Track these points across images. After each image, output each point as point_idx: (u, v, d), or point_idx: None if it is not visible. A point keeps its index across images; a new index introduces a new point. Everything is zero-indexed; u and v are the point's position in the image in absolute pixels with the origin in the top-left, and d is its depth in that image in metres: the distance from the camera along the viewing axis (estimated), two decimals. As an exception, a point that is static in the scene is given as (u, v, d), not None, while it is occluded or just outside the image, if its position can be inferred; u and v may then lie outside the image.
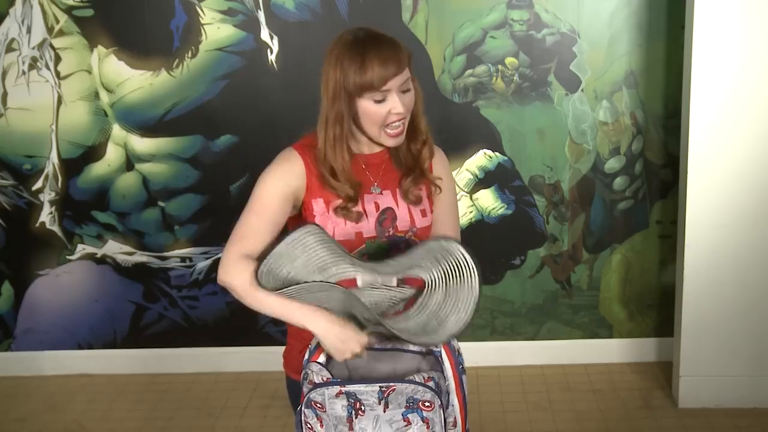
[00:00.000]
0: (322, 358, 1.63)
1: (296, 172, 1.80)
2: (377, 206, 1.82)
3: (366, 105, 1.73)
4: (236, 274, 1.71)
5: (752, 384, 3.16)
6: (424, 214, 1.87)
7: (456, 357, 1.63)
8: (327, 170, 1.78)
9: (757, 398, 3.16)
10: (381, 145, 1.81)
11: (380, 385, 1.51)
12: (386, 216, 1.83)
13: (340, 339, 1.62)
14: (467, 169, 3.42)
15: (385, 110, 1.73)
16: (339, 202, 1.78)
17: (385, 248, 1.82)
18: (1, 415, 3.39)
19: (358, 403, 1.52)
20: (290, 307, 1.67)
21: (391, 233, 1.83)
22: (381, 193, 1.83)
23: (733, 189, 3.01)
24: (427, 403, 1.51)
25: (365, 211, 1.80)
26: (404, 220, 1.84)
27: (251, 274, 1.66)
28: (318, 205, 1.80)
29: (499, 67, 3.33)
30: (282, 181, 1.79)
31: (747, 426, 3.06)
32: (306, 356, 1.68)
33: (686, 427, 3.07)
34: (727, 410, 3.14)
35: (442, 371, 1.60)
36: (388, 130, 1.75)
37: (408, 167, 1.85)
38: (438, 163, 1.91)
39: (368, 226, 1.81)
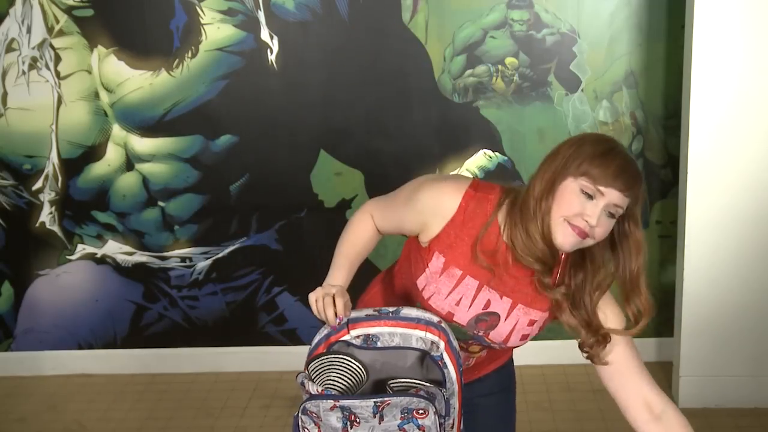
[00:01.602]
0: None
1: (437, 212, 1.69)
2: (488, 304, 1.71)
3: (571, 187, 1.58)
4: (359, 216, 1.83)
5: (752, 384, 3.16)
6: (524, 338, 1.80)
7: (458, 359, 1.62)
8: (526, 227, 1.62)
9: (758, 398, 3.16)
10: (551, 240, 1.61)
11: (375, 399, 1.50)
12: (487, 319, 1.73)
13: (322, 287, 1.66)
14: (467, 170, 3.42)
15: (581, 206, 1.58)
16: (465, 276, 1.68)
17: (464, 336, 1.74)
18: (1, 415, 3.39)
19: (352, 416, 1.51)
20: (337, 255, 1.78)
21: (479, 334, 1.74)
22: (501, 298, 1.71)
23: (733, 189, 3.01)
24: (421, 411, 1.51)
25: (473, 300, 1.70)
26: (500, 335, 1.75)
27: (365, 220, 1.82)
28: (437, 261, 1.70)
29: (499, 67, 3.33)
30: (421, 201, 1.71)
31: (748, 426, 3.06)
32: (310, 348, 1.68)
33: (686, 427, 3.07)
34: (728, 410, 3.14)
35: (444, 376, 1.59)
36: (570, 225, 1.59)
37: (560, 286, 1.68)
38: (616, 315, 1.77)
39: (464, 315, 1.72)
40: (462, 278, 1.70)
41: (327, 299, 1.63)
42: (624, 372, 1.80)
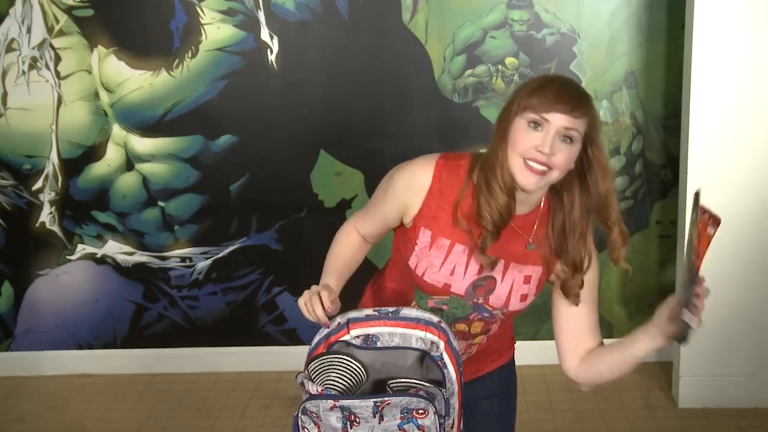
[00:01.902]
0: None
1: (414, 189, 1.72)
2: (481, 269, 1.72)
3: (520, 125, 1.62)
4: (343, 230, 1.90)
5: (752, 384, 3.16)
6: (523, 298, 1.79)
7: (457, 359, 1.62)
8: (482, 189, 1.65)
9: (758, 398, 3.16)
10: (515, 180, 1.64)
11: (374, 400, 1.50)
12: (484, 284, 1.74)
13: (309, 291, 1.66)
14: (467, 169, 3.42)
15: (532, 140, 1.60)
16: (455, 243, 1.70)
17: (466, 309, 1.76)
18: (1, 415, 3.39)
19: (352, 416, 1.51)
20: (325, 266, 1.83)
21: (479, 302, 1.76)
22: (528, 252, 1.72)
23: (734, 189, 3.01)
24: (420, 411, 1.51)
25: (466, 267, 1.72)
26: (500, 298, 1.76)
27: (348, 233, 1.88)
28: (424, 236, 1.72)
29: (499, 67, 3.33)
30: (396, 185, 1.74)
31: (747, 426, 3.06)
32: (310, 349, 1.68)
33: (686, 427, 3.07)
34: (728, 410, 3.14)
35: (444, 376, 1.59)
36: (528, 164, 1.61)
37: (558, 246, 1.73)
38: (592, 271, 1.79)
39: (460, 284, 1.73)
40: (451, 247, 1.71)
41: (314, 298, 1.64)
42: (579, 327, 1.82)
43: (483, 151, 1.74)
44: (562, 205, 1.73)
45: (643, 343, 1.72)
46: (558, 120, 1.59)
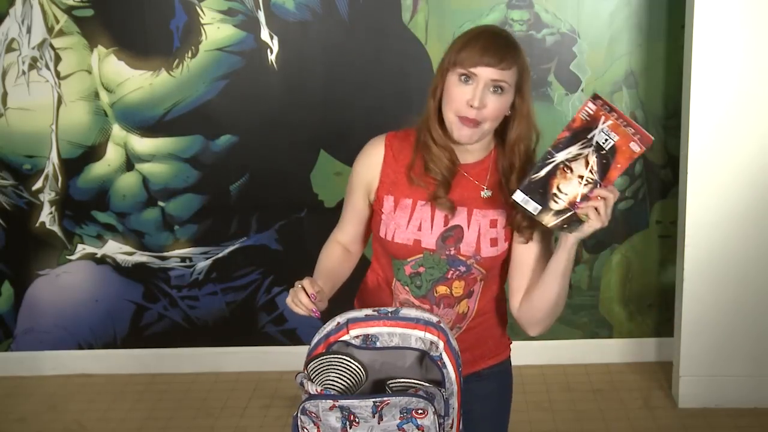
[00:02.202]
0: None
1: (371, 163, 1.84)
2: (446, 220, 1.78)
3: (452, 80, 1.71)
4: (326, 244, 1.99)
5: (752, 384, 3.16)
6: (494, 243, 1.81)
7: (457, 359, 1.62)
8: (423, 145, 1.77)
9: (757, 398, 3.16)
10: (450, 135, 1.74)
11: (374, 399, 1.50)
12: (452, 234, 1.78)
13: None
14: (467, 169, 3.42)
15: (463, 94, 1.69)
16: (417, 200, 1.78)
17: (442, 266, 1.79)
18: (1, 415, 3.39)
19: (352, 416, 1.51)
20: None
21: (452, 253, 1.79)
22: (489, 197, 1.78)
23: (733, 189, 3.01)
24: (420, 411, 1.51)
25: (432, 220, 1.78)
26: (470, 244, 1.79)
27: (329, 246, 1.97)
28: (388, 202, 1.81)
29: (499, 67, 3.32)
30: (356, 170, 1.87)
31: (747, 426, 3.06)
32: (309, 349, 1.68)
33: (686, 427, 3.07)
34: (727, 410, 3.14)
35: (443, 376, 1.59)
36: (462, 119, 1.70)
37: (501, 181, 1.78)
38: None
39: (429, 238, 1.78)
40: (414, 205, 1.79)
41: (297, 291, 1.71)
42: (527, 265, 1.84)
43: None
44: (503, 150, 1.81)
45: (557, 252, 1.74)
46: (486, 73, 1.67)
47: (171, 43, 3.35)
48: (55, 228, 3.57)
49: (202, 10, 3.32)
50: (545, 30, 3.29)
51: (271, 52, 3.35)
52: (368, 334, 1.62)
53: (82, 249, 3.59)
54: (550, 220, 1.64)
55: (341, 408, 1.51)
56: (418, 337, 1.61)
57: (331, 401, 1.51)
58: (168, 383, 3.59)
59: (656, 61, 3.31)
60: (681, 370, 3.17)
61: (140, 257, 3.59)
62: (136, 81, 3.40)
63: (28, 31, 3.37)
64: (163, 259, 3.58)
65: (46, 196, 3.53)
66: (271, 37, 3.34)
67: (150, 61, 3.38)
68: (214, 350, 3.67)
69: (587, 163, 1.61)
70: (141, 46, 3.37)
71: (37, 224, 3.57)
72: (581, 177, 1.61)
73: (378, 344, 1.62)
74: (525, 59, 1.73)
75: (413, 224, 1.79)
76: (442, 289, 1.83)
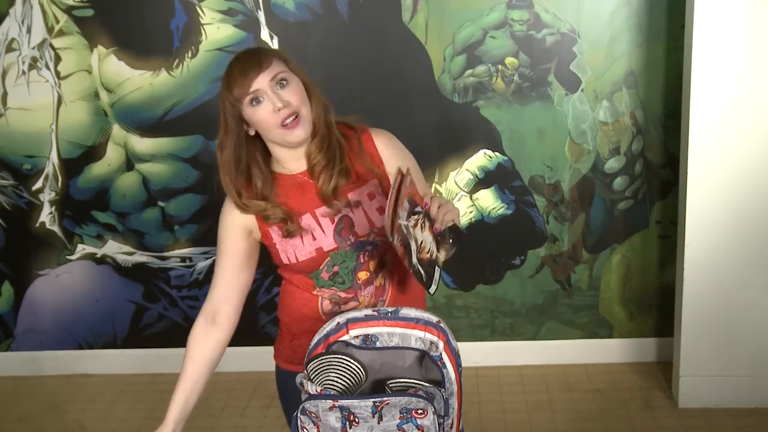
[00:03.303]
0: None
1: (237, 213, 1.86)
2: (332, 219, 1.84)
3: (250, 113, 1.77)
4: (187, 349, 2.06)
5: (752, 384, 3.16)
6: (381, 211, 1.86)
7: (456, 359, 1.62)
8: (244, 206, 1.82)
9: (758, 398, 3.16)
10: (290, 144, 1.80)
11: (373, 400, 1.51)
12: (343, 225, 1.84)
13: None
14: (467, 169, 3.42)
15: (268, 110, 1.75)
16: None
17: (352, 256, 1.83)
18: (1, 415, 3.39)
19: (351, 416, 1.51)
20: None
21: (352, 240, 1.84)
22: (352, 179, 1.84)
23: (733, 189, 3.01)
24: (420, 411, 1.51)
25: (321, 225, 1.83)
26: (362, 224, 1.85)
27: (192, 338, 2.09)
28: (274, 233, 1.86)
29: (499, 67, 3.33)
30: (226, 224, 1.88)
31: (747, 426, 3.06)
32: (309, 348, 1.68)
33: (686, 427, 3.07)
34: (727, 410, 3.14)
35: (443, 376, 1.59)
36: (284, 125, 1.76)
37: (323, 165, 1.83)
38: (382, 143, 1.92)
39: (327, 240, 1.83)
40: (298, 221, 1.83)
41: None
42: None
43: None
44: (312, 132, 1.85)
45: None
46: (259, 83, 1.75)
47: (171, 43, 3.35)
48: (55, 228, 3.57)
49: (202, 10, 3.32)
50: (545, 30, 3.29)
51: (271, 52, 3.35)
52: (368, 334, 1.63)
53: (82, 249, 3.59)
54: (440, 260, 1.71)
55: (341, 408, 1.51)
56: (417, 337, 1.61)
57: (330, 401, 1.51)
58: (168, 383, 3.56)
59: (656, 61, 3.31)
60: (681, 370, 3.17)
61: (140, 257, 3.59)
62: (136, 81, 3.40)
63: (28, 31, 3.38)
64: (163, 259, 3.59)
65: (46, 196, 3.53)
66: (271, 37, 3.34)
67: (150, 61, 3.38)
68: (214, 350, 3.66)
69: (424, 224, 1.68)
70: (141, 46, 3.37)
71: (37, 224, 3.57)
72: (416, 221, 1.67)
73: (378, 344, 1.62)
74: (279, 51, 1.85)
75: (306, 238, 1.84)
76: (362, 275, 1.87)
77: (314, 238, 1.83)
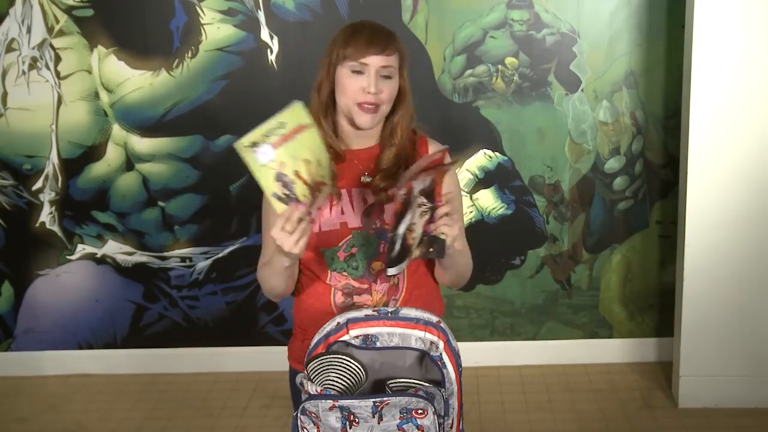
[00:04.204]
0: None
1: None
2: (365, 201, 1.84)
3: (343, 73, 1.82)
4: (258, 279, 1.92)
5: (752, 384, 3.16)
6: None
7: (457, 359, 1.62)
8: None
9: (758, 398, 3.16)
10: (353, 124, 1.84)
11: (373, 400, 1.50)
12: (374, 208, 1.85)
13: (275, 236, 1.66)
14: (467, 169, 3.42)
15: (359, 84, 1.79)
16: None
17: (373, 242, 1.82)
18: (1, 415, 3.39)
19: (351, 416, 1.51)
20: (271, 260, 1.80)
21: (378, 225, 1.83)
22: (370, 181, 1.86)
23: (733, 189, 3.01)
24: (420, 411, 1.51)
25: (352, 203, 1.84)
26: (391, 214, 1.83)
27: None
28: None
29: (499, 67, 3.33)
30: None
31: (747, 426, 3.06)
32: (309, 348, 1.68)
33: (686, 427, 3.07)
34: (727, 410, 3.14)
35: (443, 376, 1.59)
36: (361, 106, 1.80)
37: (388, 170, 1.86)
38: (448, 178, 1.89)
39: (354, 218, 1.82)
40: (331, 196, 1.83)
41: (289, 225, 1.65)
42: None
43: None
44: (392, 136, 1.90)
45: None
46: (374, 61, 1.79)
47: (171, 43, 3.35)
48: (55, 228, 3.57)
49: (202, 10, 3.32)
50: (545, 30, 3.29)
51: (271, 52, 3.36)
52: (368, 334, 1.63)
53: (82, 249, 3.59)
54: (414, 254, 1.69)
55: (341, 408, 1.51)
56: (418, 337, 1.61)
57: (331, 401, 1.51)
58: (168, 383, 3.59)
59: (656, 61, 3.31)
60: (681, 370, 3.17)
61: (140, 257, 3.59)
62: (136, 81, 3.40)
63: (28, 31, 3.37)
64: (163, 259, 3.58)
65: (46, 196, 3.53)
66: (271, 37, 3.34)
67: (150, 61, 3.38)
68: (214, 350, 3.67)
69: (419, 205, 1.68)
70: (141, 46, 3.37)
71: (37, 224, 3.57)
72: (422, 205, 1.68)
73: (378, 344, 1.62)
74: (403, 45, 1.86)
75: (335, 211, 1.84)
76: (377, 265, 1.85)
77: (342, 212, 1.83)
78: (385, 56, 1.79)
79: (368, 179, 1.86)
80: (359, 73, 1.80)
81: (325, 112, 1.88)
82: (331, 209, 1.83)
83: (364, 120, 1.82)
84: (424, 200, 1.67)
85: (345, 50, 1.80)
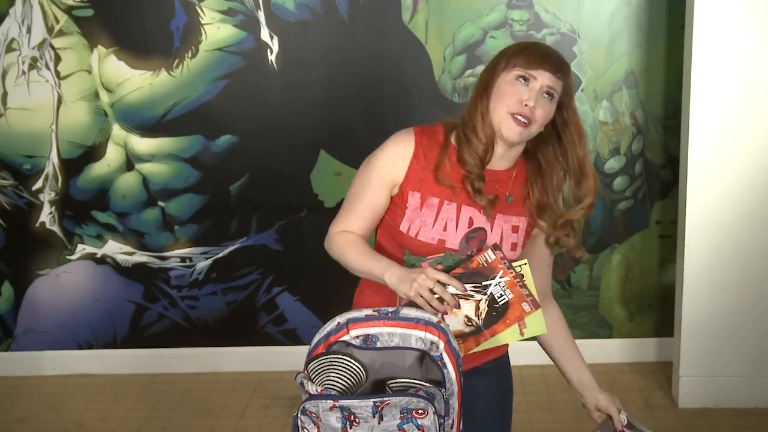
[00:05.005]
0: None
1: (400, 156, 1.80)
2: (471, 221, 1.79)
3: (507, 80, 1.76)
4: (332, 245, 1.85)
5: (752, 384, 3.16)
6: (514, 248, 1.83)
7: (457, 359, 1.62)
8: (461, 139, 1.78)
9: (757, 398, 3.16)
10: (500, 133, 1.76)
11: (374, 400, 1.50)
12: (476, 235, 1.80)
13: (398, 277, 1.67)
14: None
15: (519, 94, 1.73)
16: (443, 201, 1.78)
17: (462, 263, 1.79)
18: (1, 415, 3.39)
19: (352, 416, 1.51)
20: (370, 259, 1.77)
21: (473, 253, 1.79)
22: (511, 204, 1.82)
23: (733, 189, 3.01)
24: (420, 411, 1.51)
25: (458, 222, 1.79)
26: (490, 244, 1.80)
27: (342, 233, 1.83)
28: (414, 199, 1.79)
29: (499, 67, 3.32)
30: (383, 162, 1.81)
31: (747, 426, 3.06)
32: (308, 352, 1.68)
33: (686, 427, 3.07)
34: (727, 410, 3.14)
35: (443, 376, 1.59)
36: (514, 117, 1.73)
37: (543, 205, 1.85)
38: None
39: (454, 239, 1.79)
40: (441, 204, 1.79)
41: (440, 289, 1.65)
42: (539, 261, 1.91)
43: (451, 119, 1.86)
44: (539, 165, 1.86)
45: (579, 386, 2.02)
46: (543, 77, 1.74)
47: (171, 43, 3.35)
48: (55, 228, 3.57)
49: (202, 10, 3.32)
50: (545, 30, 3.29)
51: (271, 52, 3.36)
52: (368, 334, 1.62)
53: (82, 249, 3.59)
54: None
55: (341, 408, 1.51)
56: (418, 337, 1.61)
57: (331, 401, 1.51)
58: (168, 383, 3.59)
59: (656, 61, 3.31)
60: (681, 370, 3.17)
61: (140, 257, 3.59)
62: (136, 81, 3.40)
63: (28, 31, 3.37)
64: (163, 259, 3.58)
65: (46, 196, 3.53)
66: (271, 37, 3.34)
67: (150, 61, 3.38)
68: (214, 350, 3.66)
69: (477, 307, 1.66)
70: (141, 46, 3.37)
71: (37, 224, 3.57)
72: (468, 318, 1.67)
73: (378, 344, 1.62)
74: (572, 78, 1.82)
75: (439, 224, 1.79)
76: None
77: (445, 229, 1.78)
78: (555, 77, 1.74)
79: (511, 198, 1.83)
80: (524, 83, 1.74)
81: (485, 116, 1.78)
82: (435, 220, 1.79)
83: (513, 131, 1.73)
84: (477, 319, 1.66)
85: (518, 58, 1.76)
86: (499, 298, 1.65)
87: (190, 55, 3.36)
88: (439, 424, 1.54)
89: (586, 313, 3.56)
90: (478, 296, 1.65)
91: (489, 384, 1.98)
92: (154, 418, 3.32)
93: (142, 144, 3.46)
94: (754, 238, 3.05)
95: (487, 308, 1.64)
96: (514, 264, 1.71)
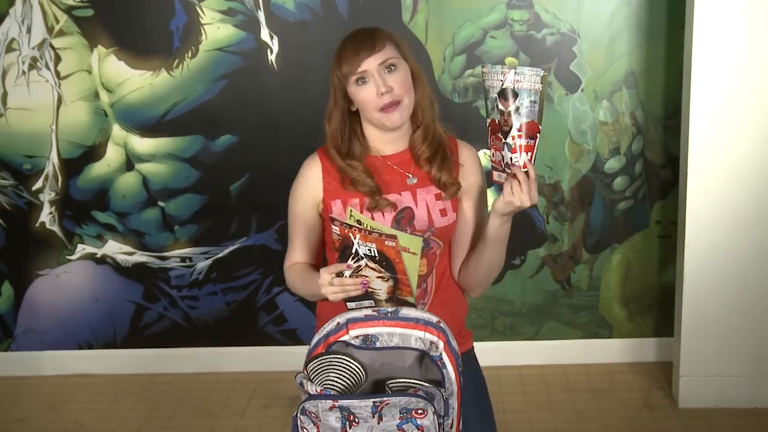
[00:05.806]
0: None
1: (313, 175, 1.93)
2: (395, 206, 1.87)
3: (354, 91, 1.84)
4: (287, 282, 1.98)
5: (752, 384, 3.16)
6: (443, 213, 1.91)
7: (456, 359, 1.62)
8: (341, 165, 1.88)
9: (757, 398, 3.16)
10: (386, 127, 1.86)
11: (373, 400, 1.51)
12: (404, 215, 1.87)
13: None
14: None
15: (371, 92, 1.82)
16: (364, 200, 1.86)
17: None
18: (1, 415, 3.39)
19: (351, 416, 1.52)
20: (310, 283, 1.83)
21: (408, 232, 1.85)
22: (416, 184, 1.89)
23: (733, 189, 3.01)
24: (419, 411, 1.51)
25: (383, 211, 1.87)
26: (422, 219, 1.88)
27: (290, 267, 1.96)
28: (336, 206, 1.90)
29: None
30: (299, 190, 1.95)
31: (747, 426, 3.06)
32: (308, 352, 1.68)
33: (686, 427, 3.07)
34: (727, 410, 3.14)
35: (443, 376, 1.59)
36: (384, 109, 1.82)
37: (428, 156, 1.90)
38: (465, 155, 2.00)
39: (385, 226, 1.82)
40: (361, 203, 1.89)
41: (338, 280, 1.68)
42: (465, 237, 1.99)
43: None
44: (415, 121, 1.93)
45: (488, 221, 1.92)
46: (369, 63, 1.81)
47: (171, 43, 3.35)
48: (55, 228, 3.57)
49: (202, 10, 3.32)
50: (545, 30, 3.29)
51: (271, 52, 3.36)
52: (368, 334, 1.63)
53: (82, 249, 3.59)
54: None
55: (341, 408, 1.51)
56: (417, 337, 1.61)
57: (330, 401, 1.51)
58: (168, 383, 3.59)
59: (656, 61, 3.31)
60: (681, 370, 3.17)
61: (140, 257, 3.59)
62: (136, 81, 3.40)
63: (28, 31, 3.37)
64: (163, 259, 3.58)
65: (46, 196, 3.53)
66: (271, 37, 3.34)
67: (150, 61, 3.38)
68: (214, 350, 3.67)
69: (372, 268, 1.68)
70: (141, 46, 3.37)
71: (37, 224, 3.57)
72: (380, 278, 1.68)
73: (378, 344, 1.62)
74: (394, 34, 1.88)
75: (388, 218, 1.87)
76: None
77: (372, 219, 1.84)
78: (377, 54, 1.81)
79: (414, 180, 1.90)
80: (364, 81, 1.82)
81: (341, 137, 1.90)
82: (383, 213, 1.87)
83: (393, 119, 1.84)
84: (383, 274, 1.67)
85: (341, 69, 1.84)
86: (371, 252, 1.67)
87: (190, 55, 3.36)
88: (439, 424, 1.54)
89: (586, 313, 3.56)
90: (362, 262, 1.68)
91: (464, 375, 1.99)
92: (154, 418, 3.33)
93: (142, 144, 3.46)
94: (754, 238, 3.05)
95: (375, 264, 1.66)
96: (361, 221, 1.72)
